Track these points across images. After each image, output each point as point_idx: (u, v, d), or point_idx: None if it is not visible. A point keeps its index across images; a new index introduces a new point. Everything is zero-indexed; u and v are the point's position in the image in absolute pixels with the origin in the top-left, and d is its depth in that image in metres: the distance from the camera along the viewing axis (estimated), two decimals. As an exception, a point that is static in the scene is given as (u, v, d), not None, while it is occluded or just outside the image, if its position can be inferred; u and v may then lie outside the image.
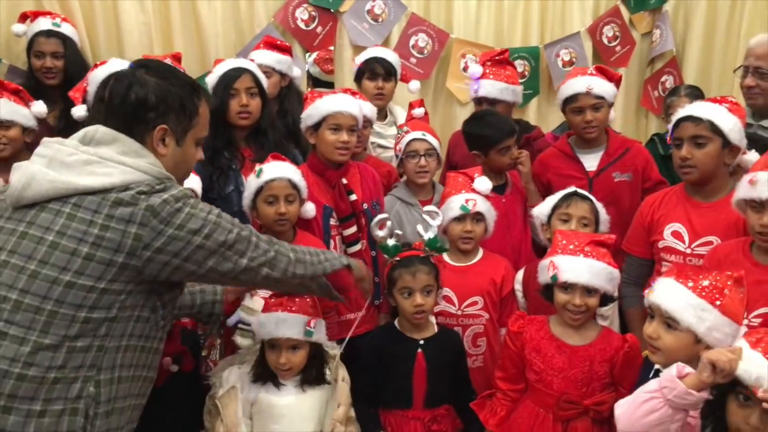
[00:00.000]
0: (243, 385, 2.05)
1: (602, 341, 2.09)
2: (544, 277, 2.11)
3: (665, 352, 1.68)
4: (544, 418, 2.07)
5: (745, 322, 1.94)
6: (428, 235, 2.26)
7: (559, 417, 2.05)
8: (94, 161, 1.49)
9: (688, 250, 2.25)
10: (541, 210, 2.46)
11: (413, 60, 3.83)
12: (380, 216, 2.25)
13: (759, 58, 2.64)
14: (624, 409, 1.61)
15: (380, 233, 2.22)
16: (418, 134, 2.76)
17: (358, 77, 3.23)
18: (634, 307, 2.44)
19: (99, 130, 1.55)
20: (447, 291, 2.43)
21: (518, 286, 2.52)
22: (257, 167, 2.40)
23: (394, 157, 2.85)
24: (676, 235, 2.29)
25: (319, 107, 2.53)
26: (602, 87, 2.70)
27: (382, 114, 3.23)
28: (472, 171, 2.55)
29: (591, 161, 2.78)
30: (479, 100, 3.04)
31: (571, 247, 2.08)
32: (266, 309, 2.02)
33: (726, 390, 1.43)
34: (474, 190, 2.48)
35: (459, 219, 2.45)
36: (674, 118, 2.31)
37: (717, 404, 1.46)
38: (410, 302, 2.18)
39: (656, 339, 1.69)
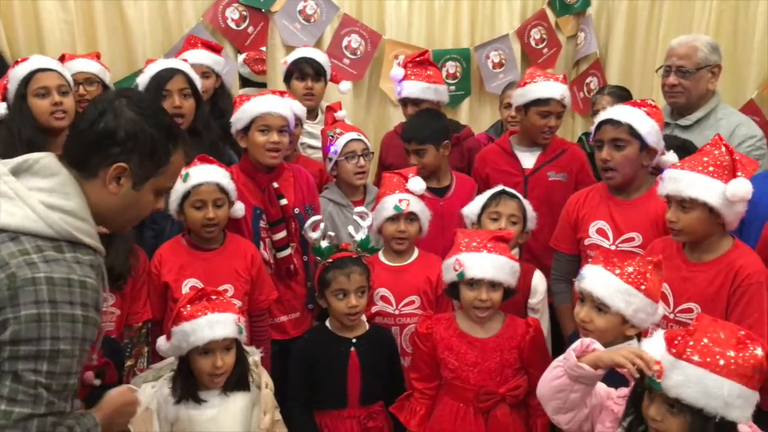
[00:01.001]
0: (160, 404, 1.96)
1: (508, 329, 2.16)
2: (449, 275, 2.15)
3: (597, 334, 1.79)
4: (465, 413, 2.12)
5: (671, 315, 2.05)
6: (359, 236, 2.26)
7: (480, 409, 2.10)
8: (8, 195, 1.33)
9: (613, 247, 2.33)
10: (471, 209, 2.51)
11: (346, 61, 3.84)
12: (314, 218, 2.25)
13: (681, 57, 2.75)
14: (544, 373, 1.73)
15: (313, 235, 2.21)
16: (354, 135, 2.77)
17: (287, 77, 3.21)
18: (566, 303, 2.50)
19: (41, 161, 1.38)
20: (384, 291, 2.45)
21: (453, 285, 2.56)
22: (183, 171, 2.34)
23: (327, 159, 2.82)
24: (601, 232, 2.37)
25: (247, 110, 2.51)
26: (569, 97, 2.83)
27: (313, 114, 3.21)
28: (407, 171, 2.58)
29: (528, 159, 2.86)
30: (404, 101, 3.07)
31: (474, 244, 2.13)
32: (190, 316, 1.92)
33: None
34: (408, 190, 2.50)
35: (393, 219, 2.47)
36: (596, 119, 2.40)
37: (639, 397, 1.53)
38: (345, 303, 2.18)
39: (588, 322, 1.81)
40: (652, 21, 4.07)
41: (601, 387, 1.69)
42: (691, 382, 1.37)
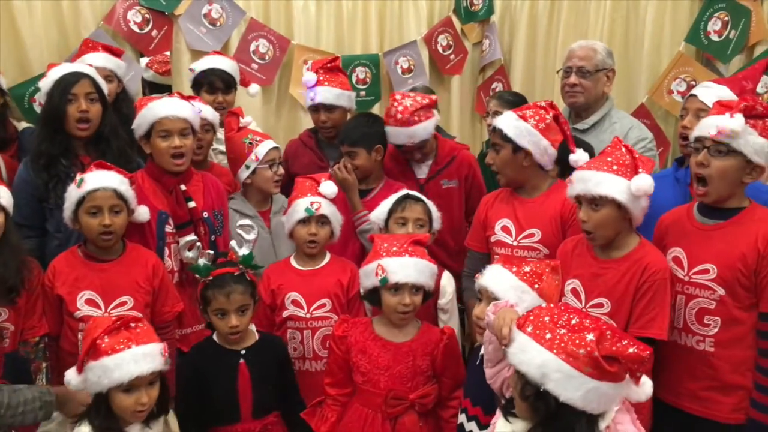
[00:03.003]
0: None
1: (423, 336, 2.18)
2: (370, 281, 2.15)
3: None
4: (374, 419, 2.12)
5: (583, 311, 2.10)
6: (243, 251, 2.23)
7: (388, 414, 2.11)
8: None
9: (515, 243, 2.42)
10: (377, 215, 2.54)
11: (255, 66, 3.79)
12: (187, 237, 2.18)
13: (582, 59, 2.91)
14: None
15: (189, 254, 2.14)
16: (272, 143, 2.76)
17: (196, 87, 3.14)
18: (474, 298, 2.56)
19: None
20: (295, 295, 2.43)
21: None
22: (78, 176, 2.25)
23: (243, 166, 2.75)
24: (505, 229, 2.46)
25: (145, 115, 2.45)
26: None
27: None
28: (320, 176, 2.58)
29: (421, 169, 2.95)
30: (316, 107, 3.04)
31: (395, 249, 2.15)
32: (111, 350, 1.76)
33: None
34: (319, 194, 2.50)
35: (304, 221, 2.46)
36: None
37: None
38: (225, 323, 2.13)
39: (483, 319, 1.84)
40: (552, 28, 4.24)
41: None
42: (519, 349, 1.54)
